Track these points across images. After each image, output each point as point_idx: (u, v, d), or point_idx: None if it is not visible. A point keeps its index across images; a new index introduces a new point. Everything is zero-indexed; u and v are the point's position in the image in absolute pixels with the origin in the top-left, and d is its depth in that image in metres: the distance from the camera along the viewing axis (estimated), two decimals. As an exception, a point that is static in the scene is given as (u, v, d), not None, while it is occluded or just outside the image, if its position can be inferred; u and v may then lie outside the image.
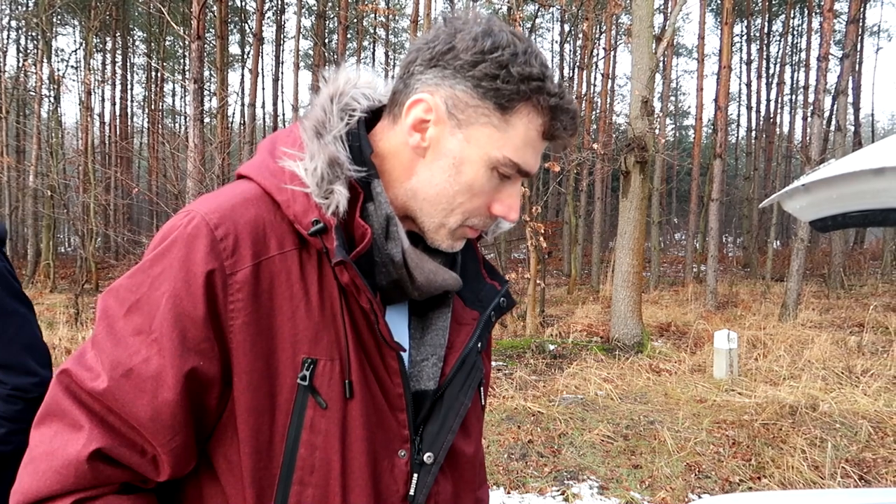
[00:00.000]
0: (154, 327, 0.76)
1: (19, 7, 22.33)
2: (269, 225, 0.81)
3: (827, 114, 17.52)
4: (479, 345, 0.95)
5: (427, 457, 0.87)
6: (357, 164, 0.84)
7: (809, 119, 14.09)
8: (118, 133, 26.52)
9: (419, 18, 14.54)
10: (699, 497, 4.21)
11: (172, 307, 0.76)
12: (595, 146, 9.46)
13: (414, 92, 0.84)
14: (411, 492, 0.87)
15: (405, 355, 0.90)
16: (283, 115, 28.16)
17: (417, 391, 0.89)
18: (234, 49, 27.60)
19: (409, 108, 0.84)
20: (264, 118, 28.89)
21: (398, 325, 0.91)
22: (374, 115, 0.93)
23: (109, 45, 26.26)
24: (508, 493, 4.24)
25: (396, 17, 23.98)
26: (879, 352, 8.13)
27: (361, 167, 0.84)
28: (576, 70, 20.79)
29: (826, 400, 5.91)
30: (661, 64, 15.26)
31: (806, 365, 7.31)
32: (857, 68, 20.10)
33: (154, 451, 0.76)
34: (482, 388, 1.02)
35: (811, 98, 21.13)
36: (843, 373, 6.97)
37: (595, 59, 18.92)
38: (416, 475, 0.87)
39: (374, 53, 31.28)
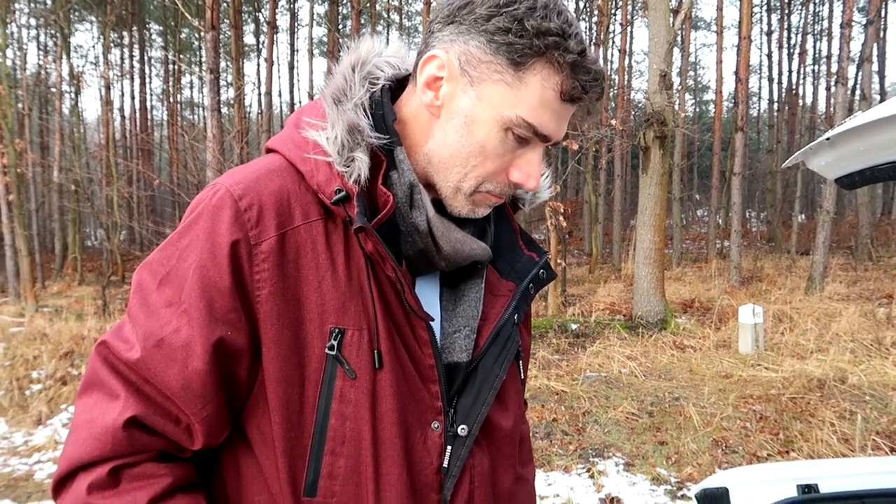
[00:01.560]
0: (183, 298, 0.77)
1: (37, 4, 22.53)
2: (294, 195, 0.82)
3: (851, 83, 17.12)
4: (515, 316, 0.94)
5: (461, 429, 0.87)
6: (379, 132, 0.83)
7: (833, 89, 13.77)
8: (138, 126, 26.78)
9: (432, 1, 14.41)
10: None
11: (199, 278, 0.77)
12: (613, 122, 9.32)
13: (430, 49, 0.83)
14: (445, 464, 0.86)
15: (437, 327, 0.89)
16: (299, 102, 28.22)
17: (450, 363, 0.88)
18: (249, 38, 27.65)
19: (423, 66, 0.83)
20: (280, 106, 29.01)
21: (429, 296, 0.91)
22: (400, 85, 0.92)
23: (126, 40, 26.43)
24: (534, 470, 4.25)
25: (409, 1, 23.80)
26: (909, 323, 7.98)
27: (384, 135, 0.83)
28: (592, 47, 20.48)
29: (855, 373, 5.82)
30: (678, 37, 14.98)
31: (834, 338, 7.21)
32: (881, 35, 19.57)
33: (188, 419, 0.78)
34: (521, 362, 1.00)
35: (834, 67, 20.66)
36: (871, 345, 6.86)
37: (611, 35, 18.63)
38: (449, 447, 0.86)
39: (387, 38, 31.08)
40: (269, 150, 0.88)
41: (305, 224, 0.81)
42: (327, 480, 0.81)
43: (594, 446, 4.60)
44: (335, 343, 0.79)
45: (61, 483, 0.77)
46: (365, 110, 0.84)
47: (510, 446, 0.97)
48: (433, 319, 0.85)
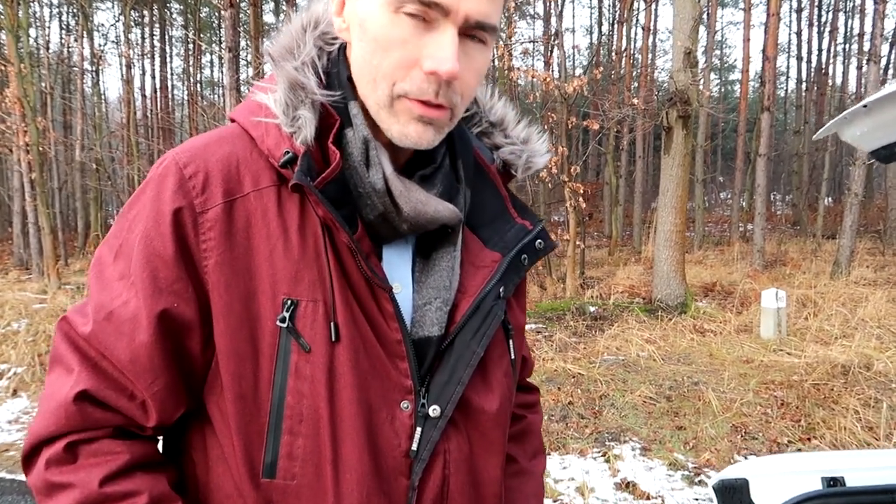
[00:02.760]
0: (132, 270, 0.74)
1: (59, -17, 22.66)
2: (244, 162, 0.78)
3: (884, 61, 16.63)
4: (501, 290, 0.85)
5: (433, 409, 0.79)
6: (333, 90, 0.78)
7: (865, 67, 13.39)
8: (159, 106, 26.92)
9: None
10: (745, 458, 4.11)
11: (143, 248, 0.74)
12: (636, 101, 9.11)
13: None
14: (414, 446, 0.79)
15: (407, 299, 0.82)
16: (319, 82, 28.15)
17: (421, 338, 0.81)
18: (269, 17, 27.56)
19: None
20: (300, 86, 28.96)
21: (398, 265, 0.83)
22: None
23: (147, 19, 26.49)
24: (549, 454, 4.20)
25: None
26: (938, 309, 7.78)
27: (337, 91, 0.78)
28: (615, 25, 20.13)
29: (881, 359, 5.68)
30: (705, 14, 14.64)
31: (859, 324, 7.05)
32: (917, 12, 18.96)
33: (142, 395, 0.75)
34: (512, 340, 0.91)
35: (866, 46, 20.07)
36: (899, 331, 6.71)
37: (635, 13, 18.25)
38: (419, 429, 0.79)
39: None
40: (231, 120, 0.84)
41: (256, 191, 0.76)
42: (286, 461, 0.75)
43: (610, 430, 4.54)
44: (287, 315, 0.74)
45: (28, 458, 0.77)
46: (316, 69, 0.79)
47: (496, 431, 0.88)
48: (390, 289, 0.78)
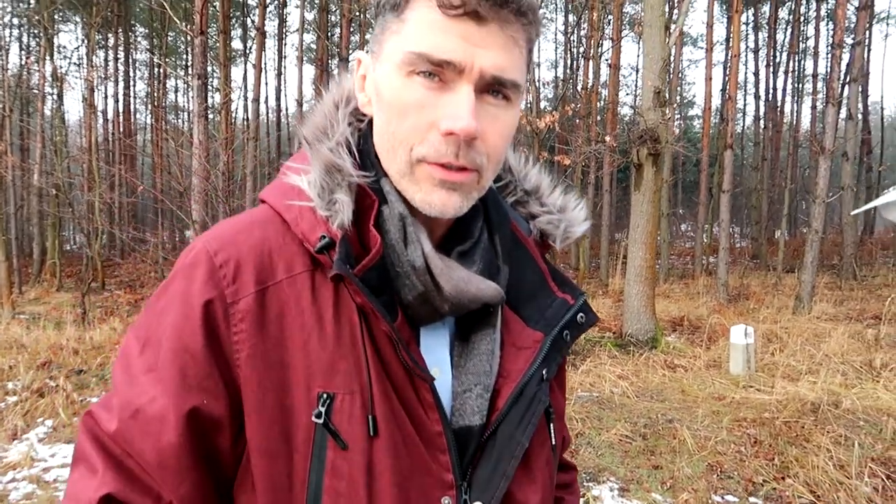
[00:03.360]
0: (159, 365, 0.70)
1: (21, 4, 22.22)
2: (277, 247, 0.75)
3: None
4: (543, 372, 0.81)
5: None
6: (367, 169, 0.76)
7: (823, 108, 13.92)
8: (122, 130, 26.46)
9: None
10: (722, 499, 4.12)
11: (173, 342, 0.71)
12: (607, 139, 9.28)
13: None
14: None
15: (446, 385, 0.78)
16: (287, 109, 28.07)
17: (462, 427, 0.76)
18: (237, 44, 27.50)
19: (354, 75, 0.80)
20: (268, 113, 28.82)
21: (437, 350, 0.79)
22: None
23: (112, 42, 26.15)
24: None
25: (399, 10, 23.80)
26: (898, 345, 8.00)
27: (371, 171, 0.76)
28: (581, 60, 20.59)
29: (848, 396, 5.78)
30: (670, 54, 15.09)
31: (824, 359, 7.19)
32: (865, 56, 19.86)
33: (169, 497, 0.69)
34: (552, 424, 0.87)
35: (820, 86, 20.92)
36: (862, 367, 6.85)
37: (601, 50, 18.69)
38: None
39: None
40: (261, 202, 0.80)
41: (289, 278, 0.73)
42: None
43: (588, 470, 4.51)
44: (323, 410, 0.70)
45: None
46: (350, 148, 0.76)
47: None
48: (433, 379, 0.73)
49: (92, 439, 0.72)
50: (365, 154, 0.78)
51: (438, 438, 0.74)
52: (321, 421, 0.70)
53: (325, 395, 0.70)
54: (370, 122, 0.79)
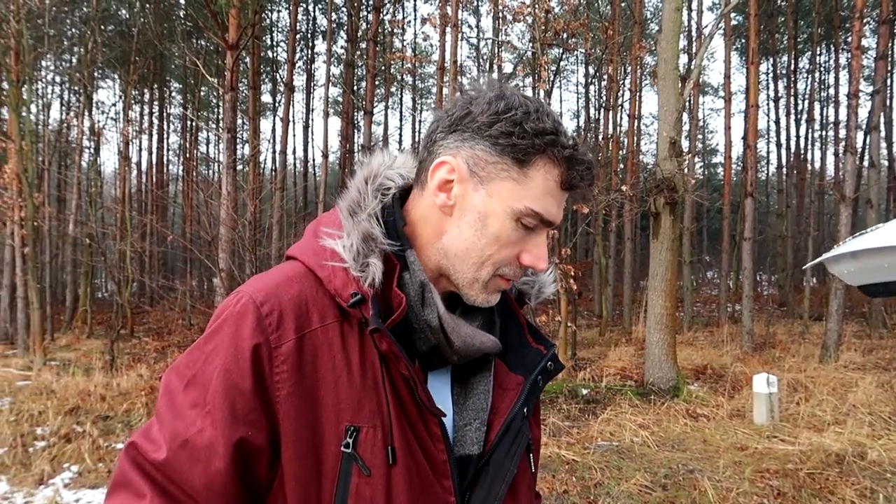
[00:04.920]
0: (208, 400, 0.81)
1: (63, 63, 23.30)
2: (312, 300, 0.87)
3: (860, 150, 17.28)
4: (524, 410, 0.96)
5: None
6: (391, 238, 0.90)
7: (842, 156, 13.90)
8: (154, 181, 27.25)
9: (445, 64, 14.81)
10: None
11: (223, 380, 0.81)
12: (624, 188, 9.40)
13: (437, 156, 0.89)
14: None
15: (448, 420, 0.92)
16: (314, 160, 28.72)
17: (462, 456, 0.90)
18: (266, 98, 28.40)
19: (434, 171, 0.90)
20: (295, 164, 29.52)
21: (440, 390, 0.93)
22: (409, 191, 0.98)
23: (147, 97, 27.19)
24: (544, 546, 4.11)
25: (423, 64, 24.47)
26: (928, 395, 7.80)
27: (395, 241, 0.90)
28: (601, 111, 20.90)
29: (874, 447, 5.67)
30: (687, 103, 15.27)
31: (851, 410, 7.05)
32: (888, 103, 19.85)
33: None
34: (531, 455, 1.02)
35: (842, 134, 20.88)
36: (890, 418, 6.70)
37: (621, 101, 18.99)
38: None
39: (401, 99, 31.93)
40: (289, 257, 0.94)
41: (322, 327, 0.86)
42: None
43: (606, 521, 4.46)
44: (350, 441, 0.82)
45: None
46: (378, 219, 0.91)
47: None
48: (445, 415, 0.88)
49: (136, 467, 0.82)
50: (389, 225, 0.91)
51: (444, 466, 0.88)
52: (349, 450, 0.82)
53: (352, 428, 0.83)
54: (394, 197, 0.95)
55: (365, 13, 19.82)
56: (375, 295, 0.84)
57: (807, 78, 25.61)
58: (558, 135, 0.86)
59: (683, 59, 19.09)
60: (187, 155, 27.15)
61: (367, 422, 0.83)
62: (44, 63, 20.10)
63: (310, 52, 27.05)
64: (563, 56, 17.11)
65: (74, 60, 22.64)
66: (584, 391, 8.20)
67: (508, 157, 0.85)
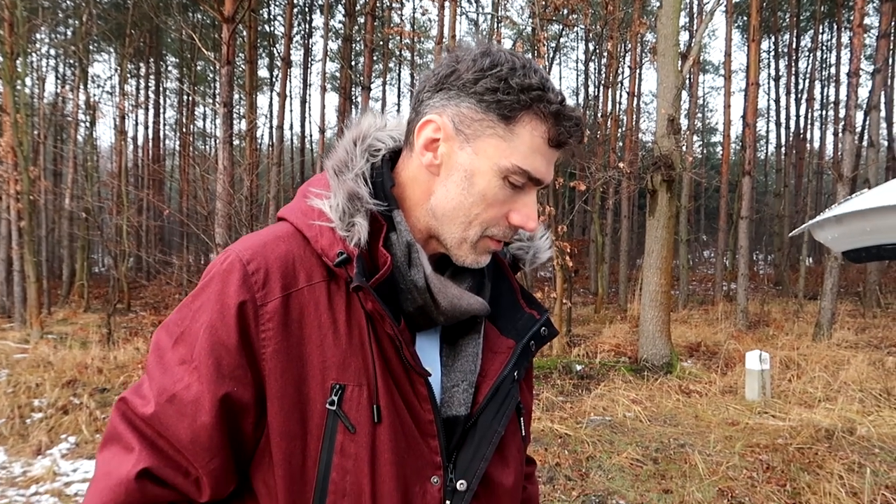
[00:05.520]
0: (194, 356, 0.82)
1: (58, 36, 23.03)
2: (299, 259, 0.87)
3: (859, 129, 17.22)
4: (515, 374, 0.96)
5: (460, 484, 0.89)
6: (379, 199, 0.89)
7: (841, 135, 13.85)
8: (150, 156, 27.11)
9: (444, 39, 14.67)
10: (732, 523, 4.11)
11: (209, 337, 0.82)
12: (621, 165, 9.37)
13: (423, 116, 0.89)
14: None
15: (436, 381, 0.92)
16: (311, 135, 28.55)
17: (449, 417, 0.91)
18: (263, 72, 28.13)
19: (420, 130, 0.89)
20: (292, 139, 29.39)
21: (429, 351, 0.94)
22: (400, 154, 0.98)
23: (143, 71, 26.93)
24: (536, 517, 4.17)
25: (422, 39, 24.25)
26: (919, 373, 7.88)
27: (383, 201, 0.89)
28: (601, 88, 20.76)
29: (864, 423, 5.74)
30: (687, 81, 15.17)
31: (842, 387, 7.12)
32: (889, 83, 19.74)
33: (197, 472, 0.82)
34: (522, 419, 1.02)
35: (842, 114, 20.80)
36: (880, 395, 6.77)
37: (620, 78, 18.85)
38: (448, 502, 0.88)
39: (399, 75, 31.64)
40: (280, 219, 0.94)
41: (309, 286, 0.86)
42: None
43: (597, 493, 4.52)
44: (336, 399, 0.83)
45: None
46: (365, 179, 0.90)
47: (512, 503, 0.98)
48: (430, 375, 0.88)
49: (126, 422, 0.83)
50: (378, 186, 0.91)
51: (430, 426, 0.88)
52: (334, 408, 0.83)
53: (337, 386, 0.83)
54: (383, 158, 0.95)
55: (363, -13, 19.57)
56: (361, 254, 0.84)
57: (808, 57, 25.45)
58: (545, 90, 0.85)
59: (684, 36, 18.96)
60: (184, 130, 26.98)
61: (353, 380, 0.84)
62: (38, 35, 19.86)
63: (307, 26, 26.79)
64: (563, 32, 16.95)
65: (69, 33, 22.40)
66: (579, 367, 8.26)
67: (494, 113, 0.85)
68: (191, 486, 0.82)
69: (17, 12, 11.61)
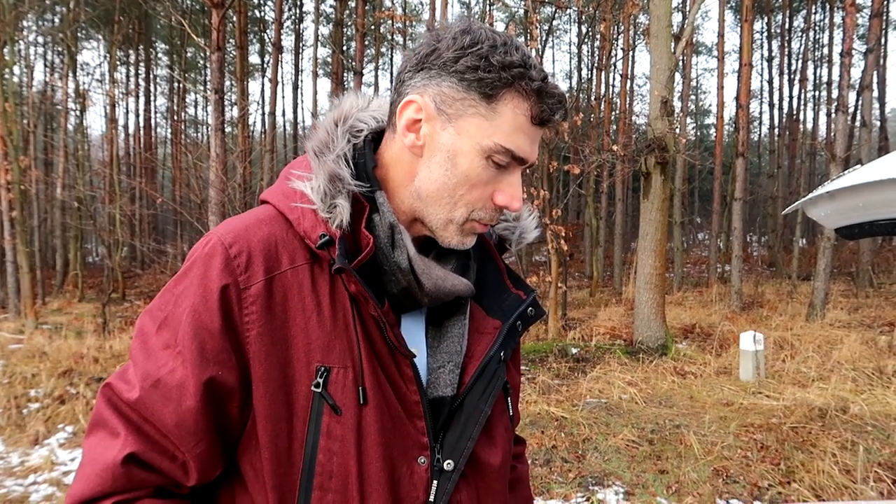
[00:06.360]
0: (178, 340, 0.81)
1: (45, 23, 22.76)
2: (282, 242, 0.86)
3: (852, 110, 17.23)
4: (501, 354, 0.96)
5: (447, 464, 0.88)
6: (361, 180, 0.88)
7: (834, 115, 13.86)
8: (142, 144, 26.92)
9: (436, 23, 14.55)
10: (727, 503, 4.16)
11: (192, 321, 0.81)
12: (615, 148, 9.36)
13: (405, 96, 0.88)
14: (431, 498, 0.87)
15: (422, 363, 0.92)
16: (303, 122, 28.38)
17: (435, 398, 0.90)
18: (254, 59, 27.89)
19: (402, 111, 0.88)
20: (284, 126, 29.18)
21: (415, 332, 0.93)
22: (383, 136, 0.96)
23: (133, 58, 26.66)
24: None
25: (413, 23, 24.06)
26: (911, 352, 7.95)
27: (365, 182, 0.88)
28: (594, 71, 20.68)
29: (856, 402, 5.79)
30: (680, 63, 15.12)
31: (835, 366, 7.18)
32: (881, 63, 19.72)
33: (183, 456, 0.81)
34: (509, 399, 1.02)
35: (835, 94, 20.81)
36: (873, 374, 6.83)
37: (613, 60, 18.78)
38: (435, 482, 0.88)
39: (391, 59, 31.43)
40: (262, 201, 0.93)
41: (292, 268, 0.85)
42: None
43: (594, 474, 4.56)
44: (321, 381, 0.82)
45: None
46: (347, 160, 0.89)
47: (500, 483, 0.98)
48: (415, 356, 0.87)
49: (111, 407, 0.83)
50: (360, 167, 0.90)
51: (416, 407, 0.88)
52: (319, 390, 0.82)
53: (322, 368, 0.82)
54: (366, 139, 0.93)
55: (353, -30, 19.37)
56: (343, 236, 0.83)
57: (801, 37, 25.40)
58: (527, 67, 0.83)
59: (677, 17, 18.87)
60: (175, 117, 26.78)
61: (338, 362, 0.83)
62: (25, 23, 19.62)
63: (298, 10, 26.51)
64: (556, 14, 16.84)
65: (57, 20, 22.13)
66: (574, 350, 8.30)
67: (475, 92, 0.83)
68: (178, 471, 0.82)
69: (3, -1, 11.47)
